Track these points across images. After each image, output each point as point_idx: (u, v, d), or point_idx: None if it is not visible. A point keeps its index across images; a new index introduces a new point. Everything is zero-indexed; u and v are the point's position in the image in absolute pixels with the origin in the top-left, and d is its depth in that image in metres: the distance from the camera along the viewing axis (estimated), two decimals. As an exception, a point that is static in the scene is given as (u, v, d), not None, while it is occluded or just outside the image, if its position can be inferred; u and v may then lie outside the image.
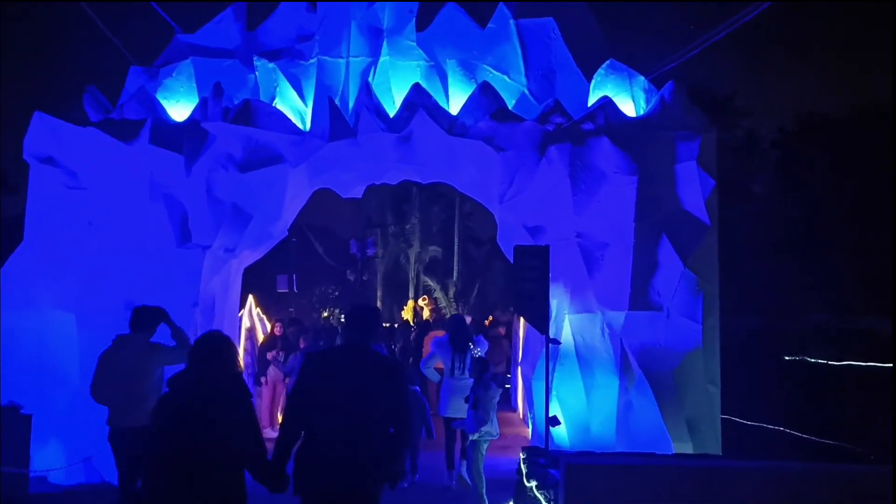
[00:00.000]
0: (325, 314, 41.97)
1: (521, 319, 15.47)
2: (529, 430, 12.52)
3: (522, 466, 7.94)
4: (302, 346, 12.72)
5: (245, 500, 4.48)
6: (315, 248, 42.15)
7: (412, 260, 42.53)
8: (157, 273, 9.69)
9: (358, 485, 4.81)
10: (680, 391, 9.42)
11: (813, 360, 22.29)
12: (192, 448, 4.27)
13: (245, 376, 12.83)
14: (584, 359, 9.67)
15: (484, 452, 8.93)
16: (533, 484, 7.11)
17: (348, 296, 43.80)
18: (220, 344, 4.58)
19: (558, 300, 9.77)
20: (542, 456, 7.87)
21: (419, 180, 11.82)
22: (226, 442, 4.34)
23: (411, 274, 42.58)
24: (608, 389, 9.52)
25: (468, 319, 16.40)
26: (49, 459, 9.23)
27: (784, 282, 26.57)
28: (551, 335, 9.22)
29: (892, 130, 24.57)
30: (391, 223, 42.64)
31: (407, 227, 42.50)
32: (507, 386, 17.90)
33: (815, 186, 28.46)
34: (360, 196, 12.13)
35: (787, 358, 22.42)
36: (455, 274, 41.80)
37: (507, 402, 17.30)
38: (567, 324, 9.78)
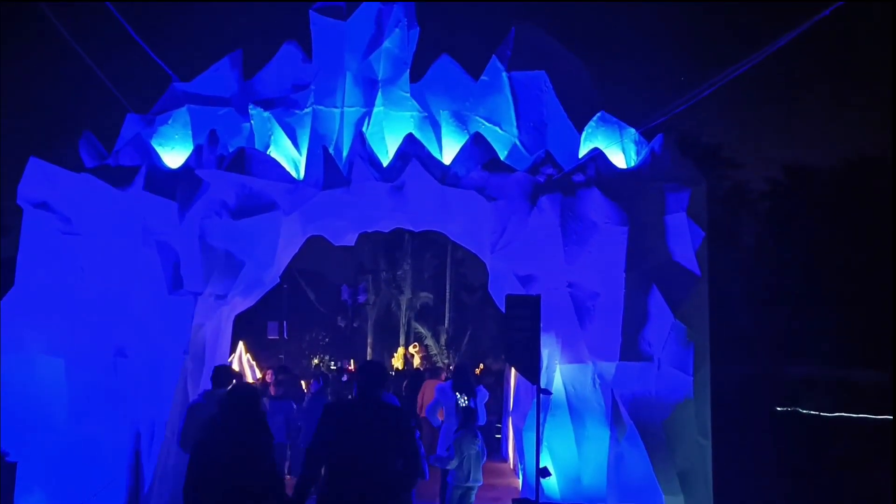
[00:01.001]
0: (316, 361, 41.55)
1: (513, 369, 15.40)
2: (520, 480, 12.33)
3: (513, 518, 7.86)
4: (272, 392, 12.51)
5: None
6: (306, 295, 41.90)
7: (403, 307, 42.08)
8: (148, 319, 9.66)
9: None
10: (671, 443, 9.34)
11: (805, 412, 22.21)
12: (222, 480, 5.12)
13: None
14: (575, 409, 9.63)
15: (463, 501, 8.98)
16: (523, 537, 7.02)
17: (339, 342, 43.30)
18: (247, 395, 5.48)
19: (549, 350, 9.75)
20: (533, 508, 7.80)
21: (412, 228, 11.82)
22: (250, 477, 5.16)
23: (402, 320, 42.08)
24: (599, 440, 9.47)
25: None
26: (33, 508, 9.10)
27: (773, 333, 26.57)
28: (542, 385, 9.21)
29: (892, 181, 24.76)
30: (383, 269, 42.29)
31: (399, 273, 42.07)
32: (497, 436, 17.76)
33: (805, 237, 28.62)
34: (353, 244, 12.10)
35: (779, 409, 22.33)
36: (447, 321, 41.29)
37: (498, 452, 17.13)
38: (558, 374, 9.75)
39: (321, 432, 5.66)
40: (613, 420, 9.43)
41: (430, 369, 16.93)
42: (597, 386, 9.56)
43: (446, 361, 37.49)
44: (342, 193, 10.23)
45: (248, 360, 15.32)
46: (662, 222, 9.92)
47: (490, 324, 40.14)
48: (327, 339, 43.93)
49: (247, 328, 18.03)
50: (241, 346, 13.65)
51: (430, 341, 40.63)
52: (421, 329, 41.49)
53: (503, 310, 9.55)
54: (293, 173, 10.38)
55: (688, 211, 9.87)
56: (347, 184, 10.15)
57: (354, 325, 44.05)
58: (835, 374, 24.23)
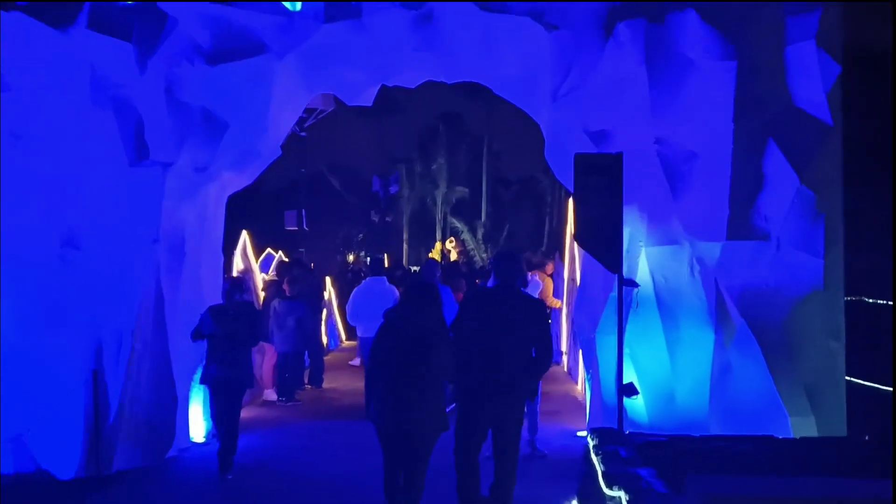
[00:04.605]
0: (352, 257, 40.99)
1: (567, 257, 13.42)
2: (579, 387, 11.41)
3: (594, 458, 5.72)
4: (287, 291, 11.22)
5: (443, 402, 6.11)
6: (331, 184, 40.94)
7: (439, 201, 42.15)
8: (105, 199, 7.77)
9: (506, 396, 6.09)
10: (795, 348, 7.48)
11: (871, 301, 20.20)
12: (404, 361, 5.92)
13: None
14: (666, 306, 7.82)
15: None
16: (620, 494, 4.84)
17: (374, 238, 43.03)
18: (427, 293, 6.13)
19: (632, 228, 7.84)
20: (621, 443, 5.68)
21: (444, 79, 9.72)
22: (428, 358, 5.92)
23: (438, 215, 42.18)
24: (699, 346, 7.68)
25: None
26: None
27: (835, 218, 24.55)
28: (624, 274, 7.04)
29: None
30: (416, 159, 42.28)
31: (433, 167, 42.03)
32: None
33: (877, 118, 26.28)
34: (370, 103, 10.06)
35: (847, 298, 20.40)
36: (483, 215, 41.55)
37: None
38: (644, 259, 7.97)
39: (463, 317, 6.29)
40: (718, 319, 7.60)
41: (537, 260, 15.04)
42: (696, 274, 7.73)
43: (484, 256, 37.81)
44: (351, 28, 8.18)
45: (281, 256, 13.60)
46: (782, 56, 7.83)
47: (528, 217, 42.04)
48: (361, 236, 43.53)
49: (257, 217, 16.03)
50: (244, 236, 11.62)
51: (466, 236, 41.03)
52: (457, 223, 41.94)
53: (560, 179, 7.96)
54: (286, 3, 8.26)
55: (817, 39, 7.71)
56: (357, 14, 8.11)
57: (388, 219, 43.92)
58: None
